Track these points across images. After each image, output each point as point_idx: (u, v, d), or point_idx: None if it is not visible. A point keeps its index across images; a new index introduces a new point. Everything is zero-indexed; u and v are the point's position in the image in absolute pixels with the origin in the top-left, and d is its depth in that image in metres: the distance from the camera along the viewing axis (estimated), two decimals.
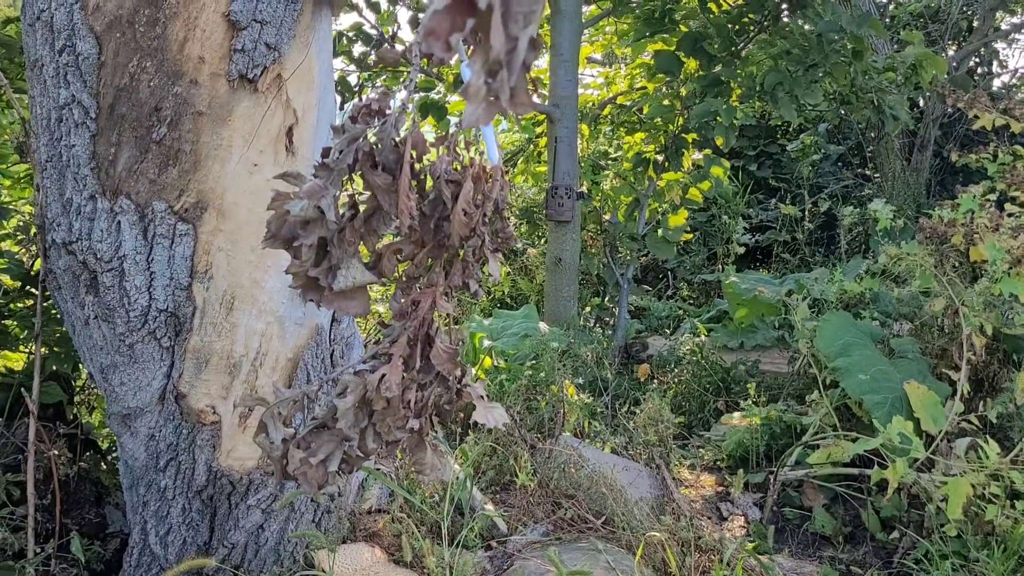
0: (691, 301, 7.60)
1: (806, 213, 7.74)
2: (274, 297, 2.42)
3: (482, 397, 1.32)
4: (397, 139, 1.12)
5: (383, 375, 1.13)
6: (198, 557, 2.46)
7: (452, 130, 1.19)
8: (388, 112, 1.12)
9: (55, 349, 3.32)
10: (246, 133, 2.30)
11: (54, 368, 3.39)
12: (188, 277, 2.32)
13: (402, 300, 1.18)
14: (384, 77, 5.90)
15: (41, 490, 3.01)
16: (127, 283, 2.29)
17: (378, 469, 2.93)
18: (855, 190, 8.40)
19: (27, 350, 3.57)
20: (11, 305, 3.39)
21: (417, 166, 1.19)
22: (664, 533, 2.90)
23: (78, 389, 3.83)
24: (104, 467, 3.54)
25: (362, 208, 1.17)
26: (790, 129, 9.18)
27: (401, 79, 5.89)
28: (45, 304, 2.98)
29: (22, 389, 2.95)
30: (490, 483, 3.55)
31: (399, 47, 5.97)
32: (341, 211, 1.16)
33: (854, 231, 7.21)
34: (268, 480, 2.47)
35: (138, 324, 2.32)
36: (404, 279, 1.20)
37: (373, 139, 1.14)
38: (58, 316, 3.21)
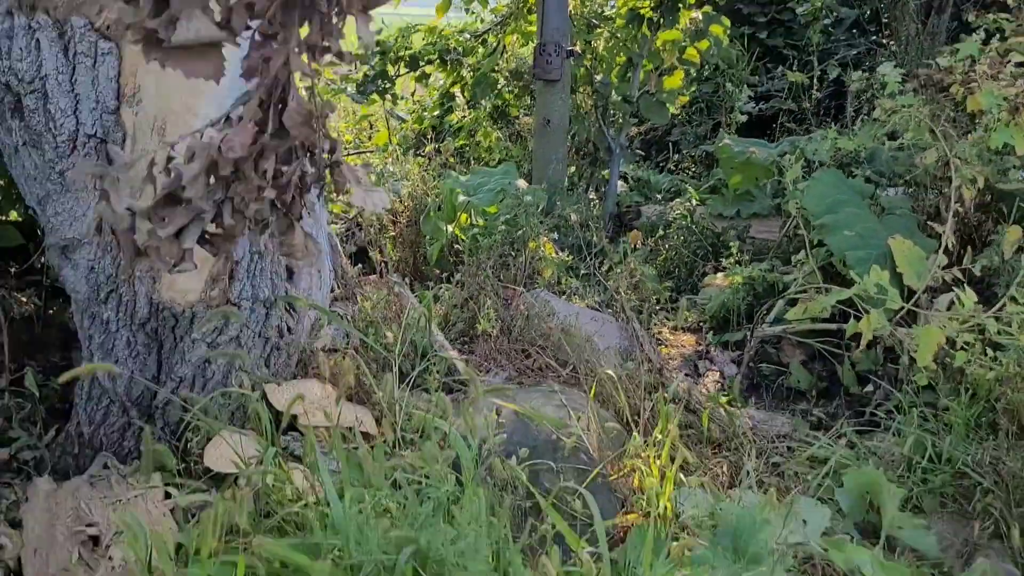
0: (693, 173, 7.41)
1: (814, 80, 7.43)
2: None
3: (360, 180, 1.22)
4: None
5: (226, 135, 1.04)
6: (147, 388, 2.46)
7: None
8: None
9: (11, 191, 3.25)
10: None
11: (13, 213, 3.34)
12: (115, 100, 2.21)
13: (254, 56, 1.08)
14: None
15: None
16: (51, 106, 2.19)
17: (334, 311, 2.90)
18: (868, 57, 8.02)
19: None
20: None
21: None
22: (622, 376, 2.87)
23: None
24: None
25: None
26: None
27: None
28: None
29: None
30: (460, 334, 3.52)
31: None
32: None
33: (862, 97, 6.91)
34: (213, 314, 2.43)
35: (66, 150, 2.23)
36: (259, 37, 1.09)
37: None
38: None
